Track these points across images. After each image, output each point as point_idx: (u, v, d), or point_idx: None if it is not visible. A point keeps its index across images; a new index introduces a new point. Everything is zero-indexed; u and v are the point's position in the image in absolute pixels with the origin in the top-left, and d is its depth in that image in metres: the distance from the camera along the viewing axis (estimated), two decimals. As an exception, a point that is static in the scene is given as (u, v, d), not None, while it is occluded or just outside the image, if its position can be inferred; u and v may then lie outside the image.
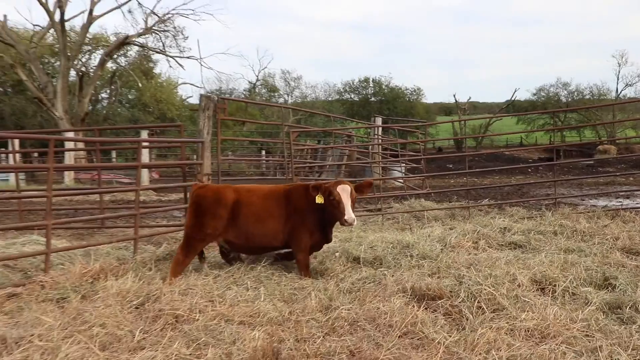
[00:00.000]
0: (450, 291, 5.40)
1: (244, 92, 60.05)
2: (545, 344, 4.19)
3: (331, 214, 6.52)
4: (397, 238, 8.18)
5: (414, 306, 5.04)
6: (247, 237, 6.68)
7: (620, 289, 5.52)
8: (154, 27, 37.54)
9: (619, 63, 66.71)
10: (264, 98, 58.98)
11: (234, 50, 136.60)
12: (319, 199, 6.49)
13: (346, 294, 5.70)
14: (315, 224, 6.71)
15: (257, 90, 61.14)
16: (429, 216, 11.44)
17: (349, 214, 6.28)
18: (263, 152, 36.57)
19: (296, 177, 11.38)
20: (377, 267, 6.85)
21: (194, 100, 53.19)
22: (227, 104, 9.19)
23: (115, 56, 41.29)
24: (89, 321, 4.77)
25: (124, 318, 4.89)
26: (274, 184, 7.49)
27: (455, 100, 63.58)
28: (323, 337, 4.40)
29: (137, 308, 5.24)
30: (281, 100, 60.46)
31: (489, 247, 7.95)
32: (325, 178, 21.11)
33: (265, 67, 67.78)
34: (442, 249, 7.59)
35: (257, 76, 61.41)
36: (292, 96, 62.25)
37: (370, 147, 19.52)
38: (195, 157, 21.36)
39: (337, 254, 7.35)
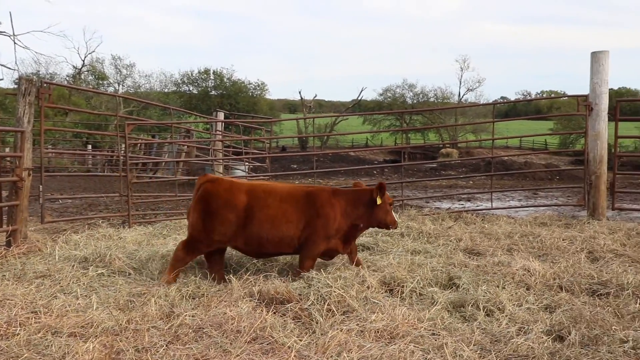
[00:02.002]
0: (299, 294, 5.59)
1: (67, 78, 56.70)
2: (395, 344, 4.50)
3: (380, 218, 6.84)
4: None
5: (262, 310, 5.17)
6: (260, 244, 6.52)
7: (464, 288, 6.06)
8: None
9: (461, 68, 72.04)
10: (90, 86, 56.10)
11: (55, 29, 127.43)
12: (379, 200, 6.72)
13: (189, 299, 5.70)
14: (338, 230, 6.71)
15: (83, 76, 58.02)
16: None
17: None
18: (89, 147, 34.87)
19: (130, 174, 11.02)
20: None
21: (5, 84, 49.31)
22: (52, 90, 8.68)
23: None
24: None
25: None
26: (291, 184, 7.36)
27: (301, 97, 64.88)
28: (166, 346, 4.37)
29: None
30: (111, 89, 57.84)
31: (337, 249, 8.29)
32: (161, 176, 20.65)
33: (94, 51, 64.16)
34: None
35: (83, 60, 58.29)
36: (123, 85, 59.78)
37: (211, 143, 19.42)
38: (7, 149, 19.91)
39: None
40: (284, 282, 6.02)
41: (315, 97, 68.68)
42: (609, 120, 11.46)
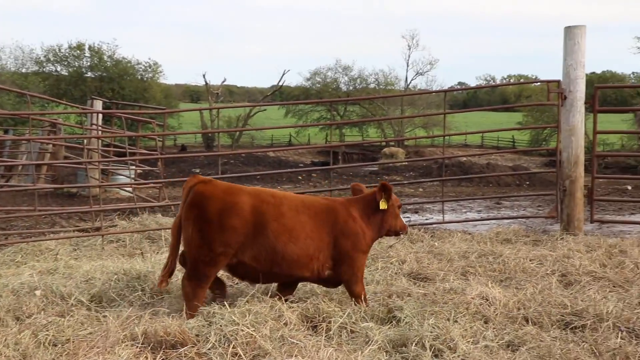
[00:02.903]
0: (197, 335, 5.54)
1: None
2: (318, 396, 4.51)
3: (391, 226, 7.15)
4: (124, 267, 8.16)
5: (147, 357, 5.09)
6: (273, 261, 6.51)
7: (406, 323, 6.11)
8: None
9: (409, 46, 72.82)
10: None
11: None
12: (383, 205, 6.92)
13: (49, 346, 5.54)
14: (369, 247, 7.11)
15: None
16: (168, 237, 11.50)
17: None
18: None
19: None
20: (95, 307, 6.75)
21: None
22: None
23: None
24: None
25: None
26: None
27: (206, 82, 64.47)
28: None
29: None
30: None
31: (248, 275, 8.27)
32: (16, 184, 20.08)
33: None
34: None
35: None
36: (-38, 62, 57.90)
37: (85, 141, 19.05)
38: None
39: (37, 293, 7.10)
40: (176, 319, 5.95)
41: (224, 82, 68.38)
42: (587, 111, 11.68)
